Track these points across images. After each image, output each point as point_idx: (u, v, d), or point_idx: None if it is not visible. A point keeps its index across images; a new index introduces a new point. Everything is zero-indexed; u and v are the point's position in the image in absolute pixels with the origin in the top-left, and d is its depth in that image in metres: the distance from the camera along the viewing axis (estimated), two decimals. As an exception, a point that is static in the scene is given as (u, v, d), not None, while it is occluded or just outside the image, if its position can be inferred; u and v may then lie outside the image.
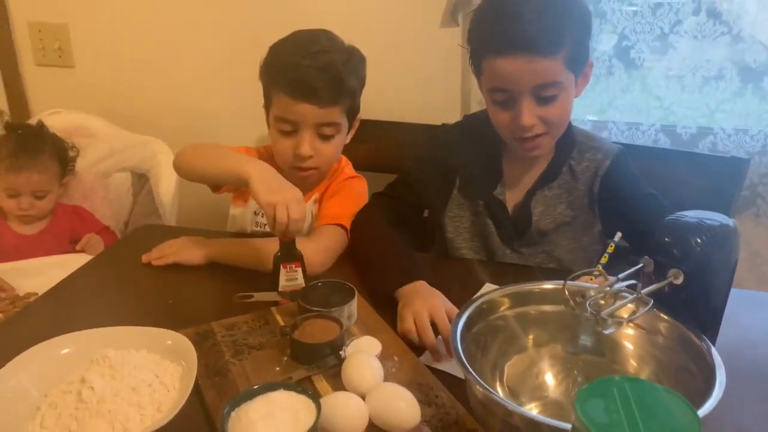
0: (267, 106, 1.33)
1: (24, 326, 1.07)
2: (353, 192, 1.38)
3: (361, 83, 1.34)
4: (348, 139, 1.39)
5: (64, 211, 1.81)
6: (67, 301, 1.15)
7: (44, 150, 1.72)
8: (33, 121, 1.84)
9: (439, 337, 0.97)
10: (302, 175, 1.33)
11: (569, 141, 1.26)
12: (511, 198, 1.30)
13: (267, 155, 1.42)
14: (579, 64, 1.15)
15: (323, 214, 1.33)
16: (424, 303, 1.01)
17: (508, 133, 1.19)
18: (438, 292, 1.05)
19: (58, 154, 1.77)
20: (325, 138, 1.30)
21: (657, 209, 1.13)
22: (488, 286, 1.16)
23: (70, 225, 1.80)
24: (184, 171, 1.28)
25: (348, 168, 1.44)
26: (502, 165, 1.29)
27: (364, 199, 1.40)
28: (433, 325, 0.97)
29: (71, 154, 1.83)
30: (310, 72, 1.22)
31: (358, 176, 1.44)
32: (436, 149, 1.36)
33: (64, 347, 0.86)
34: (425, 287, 1.07)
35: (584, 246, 1.29)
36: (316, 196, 1.39)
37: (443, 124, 1.53)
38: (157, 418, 0.77)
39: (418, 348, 0.97)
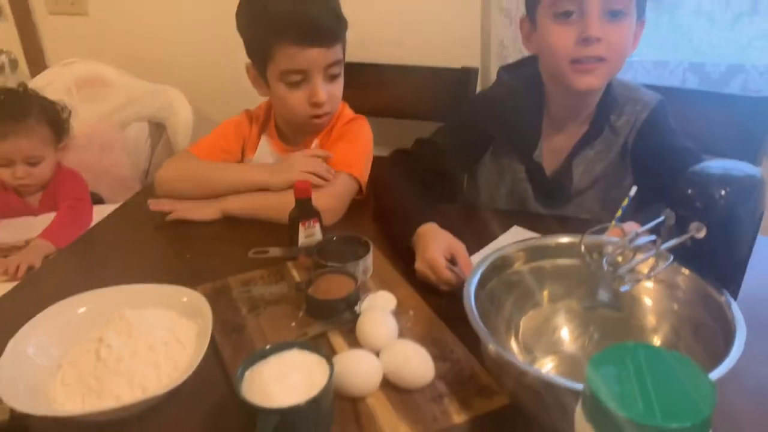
0: (262, 63, 1.26)
1: (43, 284, 1.09)
2: (357, 135, 1.36)
3: None
4: None
5: (62, 177, 1.72)
6: (85, 256, 1.17)
7: (30, 113, 1.62)
8: (45, 76, 1.82)
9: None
10: (318, 122, 1.30)
11: (610, 99, 1.20)
12: (549, 160, 1.27)
13: (255, 115, 1.40)
14: (642, 5, 1.11)
15: (329, 162, 1.31)
16: (426, 252, 0.99)
17: (568, 54, 1.09)
18: (441, 235, 1.02)
19: (48, 116, 1.66)
20: (333, 78, 1.28)
21: (690, 164, 1.09)
22: (515, 229, 1.15)
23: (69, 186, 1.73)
24: (178, 195, 1.28)
25: (346, 110, 1.40)
26: (541, 127, 1.25)
27: (367, 139, 1.38)
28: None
29: (63, 115, 1.72)
30: (314, 15, 1.18)
31: (358, 117, 1.40)
32: (475, 116, 1.29)
33: (80, 306, 0.87)
34: (431, 231, 1.04)
35: (614, 198, 1.26)
36: (316, 141, 1.37)
37: (480, 92, 1.46)
38: (174, 376, 0.78)
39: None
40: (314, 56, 1.21)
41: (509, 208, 1.33)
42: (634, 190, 0.98)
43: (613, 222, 0.82)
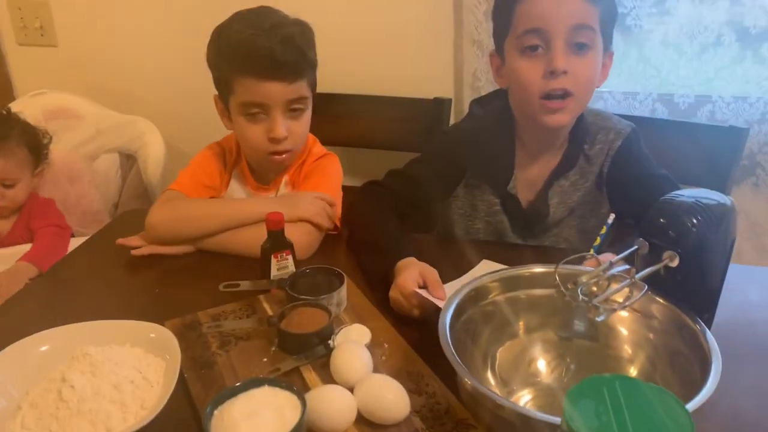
0: (225, 95, 1.25)
1: (5, 320, 1.04)
2: (326, 172, 1.34)
3: (316, 55, 1.28)
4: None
5: (38, 205, 1.71)
6: (51, 291, 1.13)
7: (11, 135, 1.63)
8: (14, 107, 1.79)
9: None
10: (278, 159, 1.27)
11: (582, 128, 1.21)
12: (524, 191, 1.27)
13: (227, 148, 1.37)
14: (609, 36, 1.13)
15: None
16: (398, 279, 0.99)
17: (537, 89, 1.10)
18: (415, 264, 1.02)
19: (28, 140, 1.68)
20: (296, 116, 1.25)
21: (666, 191, 1.09)
22: (485, 263, 1.14)
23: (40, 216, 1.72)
24: (176, 238, 1.21)
25: (316, 147, 1.38)
26: (515, 160, 1.25)
27: (337, 176, 1.37)
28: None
29: (44, 141, 1.73)
30: (272, 48, 1.16)
31: (328, 153, 1.39)
32: (447, 150, 1.29)
33: (43, 344, 0.84)
34: (409, 263, 1.03)
35: (592, 227, 1.26)
36: (286, 178, 1.34)
37: (452, 125, 1.47)
38: (141, 415, 0.75)
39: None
40: (273, 90, 1.19)
41: (486, 239, 1.32)
42: (612, 218, 0.98)
43: (591, 251, 0.82)
